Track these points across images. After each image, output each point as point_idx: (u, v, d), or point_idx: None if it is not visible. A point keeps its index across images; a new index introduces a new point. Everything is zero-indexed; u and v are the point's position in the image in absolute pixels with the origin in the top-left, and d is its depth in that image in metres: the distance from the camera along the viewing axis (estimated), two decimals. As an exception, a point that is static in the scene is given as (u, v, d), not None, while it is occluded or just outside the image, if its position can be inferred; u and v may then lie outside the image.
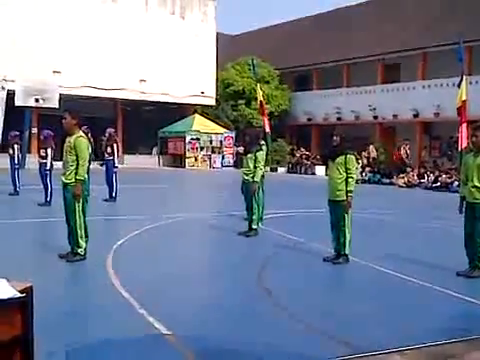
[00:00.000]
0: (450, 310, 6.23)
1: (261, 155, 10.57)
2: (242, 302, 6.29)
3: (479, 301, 6.42)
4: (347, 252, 8.28)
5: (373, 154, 31.68)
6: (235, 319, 5.66)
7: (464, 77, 9.45)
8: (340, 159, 8.27)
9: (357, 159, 27.39)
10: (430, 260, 8.64)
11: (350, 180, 8.20)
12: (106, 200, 15.11)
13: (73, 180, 7.71)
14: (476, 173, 7.50)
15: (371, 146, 32.02)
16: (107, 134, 16.02)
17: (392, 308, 6.21)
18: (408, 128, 32.42)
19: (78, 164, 7.69)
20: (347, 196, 8.19)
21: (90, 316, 5.63)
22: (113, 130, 16.44)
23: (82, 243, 7.81)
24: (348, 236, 8.25)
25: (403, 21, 34.07)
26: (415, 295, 6.81)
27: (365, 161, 30.87)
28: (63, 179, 7.83)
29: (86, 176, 7.83)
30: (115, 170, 15.41)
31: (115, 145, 15.67)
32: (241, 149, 11.69)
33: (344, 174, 8.20)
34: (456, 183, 23.66)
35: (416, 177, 26.70)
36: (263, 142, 11.08)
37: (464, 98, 8.97)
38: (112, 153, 15.44)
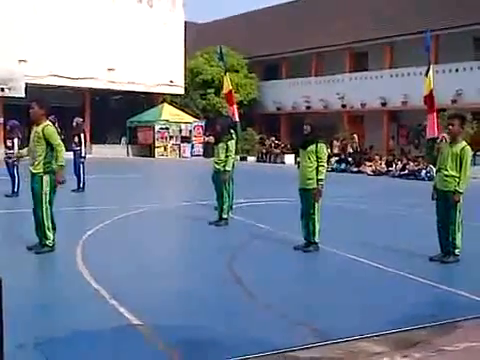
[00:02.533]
0: (419, 296, 6.32)
1: (232, 144, 10.57)
2: (213, 291, 6.30)
3: (447, 287, 6.53)
4: (317, 240, 8.33)
5: (356, 143, 31.92)
6: (206, 309, 5.66)
7: (431, 66, 9.53)
8: (311, 147, 8.27)
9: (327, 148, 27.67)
10: (400, 247, 8.74)
11: (321, 168, 8.22)
12: (74, 190, 14.95)
13: (41, 170, 7.63)
14: (450, 162, 7.62)
15: (355, 135, 32.18)
16: (74, 123, 15.79)
17: (361, 295, 6.27)
18: (376, 116, 32.72)
19: (56, 151, 7.61)
20: (318, 184, 8.23)
21: (60, 308, 5.58)
22: (81, 120, 16.28)
23: (50, 234, 7.72)
24: (317, 225, 8.29)
25: (371, 10, 34.29)
26: (384, 282, 6.90)
27: (336, 150, 31.05)
28: (31, 169, 7.73)
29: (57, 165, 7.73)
30: (82, 160, 15.27)
31: (82, 135, 15.52)
32: (211, 138, 11.61)
33: (315, 163, 8.22)
34: (424, 171, 23.98)
35: (384, 165, 26.95)
36: (232, 131, 11.07)
37: (431, 87, 9.06)
38: (79, 143, 15.30)
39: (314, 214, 8.28)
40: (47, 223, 7.68)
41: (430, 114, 9.01)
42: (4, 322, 2.78)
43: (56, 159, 7.64)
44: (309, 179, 8.27)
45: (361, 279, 7.03)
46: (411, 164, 25.46)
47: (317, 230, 8.30)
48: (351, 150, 30.59)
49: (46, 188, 7.65)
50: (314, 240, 8.33)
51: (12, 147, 14.15)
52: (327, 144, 8.58)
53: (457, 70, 28.50)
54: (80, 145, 15.27)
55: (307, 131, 8.50)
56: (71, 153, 15.00)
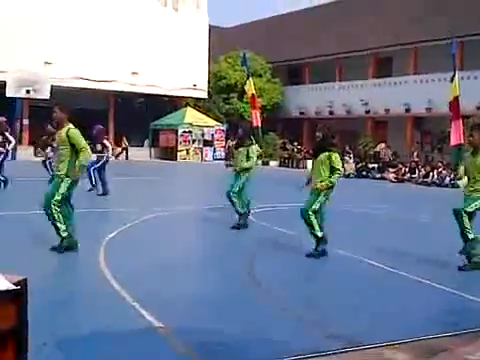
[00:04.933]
0: (440, 303, 6.27)
1: (252, 150, 10.52)
2: (233, 294, 6.31)
3: (470, 295, 6.46)
4: (320, 235, 8.11)
5: (383, 152, 31.73)
6: (226, 311, 5.67)
7: (456, 72, 9.45)
8: (323, 156, 8.07)
9: (343, 154, 27.59)
10: (420, 253, 8.68)
11: (335, 175, 8.01)
12: (99, 194, 15.03)
13: (64, 173, 7.71)
14: (474, 172, 7.58)
15: (383, 144, 31.99)
16: (94, 131, 15.43)
17: (382, 301, 6.24)
18: (399, 122, 32.52)
19: (80, 152, 7.71)
20: (327, 182, 8.00)
21: (82, 308, 5.63)
22: (101, 126, 16.07)
23: (62, 226, 7.74)
24: (315, 220, 8.05)
25: (396, 15, 34.11)
26: (406, 289, 6.85)
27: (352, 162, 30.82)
28: (55, 172, 7.84)
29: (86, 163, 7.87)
30: (96, 166, 15.08)
31: (106, 141, 15.50)
32: (234, 143, 11.59)
33: (327, 173, 8.02)
34: (448, 178, 23.77)
35: (407, 172, 26.77)
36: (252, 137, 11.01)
37: (457, 94, 8.97)
38: (102, 151, 15.22)
39: (310, 211, 8.01)
40: (57, 218, 7.71)
41: (455, 121, 8.93)
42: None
43: (78, 158, 7.72)
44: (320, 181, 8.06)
45: (383, 285, 7.00)
46: (435, 171, 25.25)
47: (316, 224, 8.06)
48: (387, 158, 30.30)
49: (63, 189, 7.72)
50: (319, 235, 8.11)
51: (102, 150, 15.01)
52: (340, 153, 8.35)
53: (483, 77, 28.21)
54: (106, 151, 15.25)
55: (319, 138, 8.30)
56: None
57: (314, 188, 8.15)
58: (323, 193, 8.08)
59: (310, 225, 8.13)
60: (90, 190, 15.06)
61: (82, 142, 7.79)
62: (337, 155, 8.12)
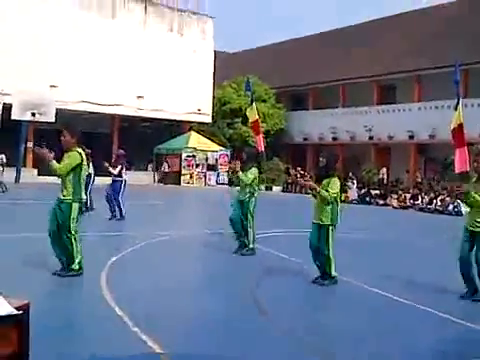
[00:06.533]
0: (444, 333, 6.22)
1: (253, 171, 10.53)
2: (236, 321, 6.27)
3: (474, 325, 6.42)
4: (335, 274, 8.13)
5: (385, 176, 31.96)
6: (229, 338, 5.64)
7: (460, 99, 9.47)
8: (325, 182, 8.07)
9: (345, 181, 27.64)
10: (423, 282, 8.64)
11: (328, 194, 7.91)
12: (116, 218, 15.02)
13: (70, 197, 7.70)
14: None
15: (384, 169, 32.19)
16: (115, 155, 16.20)
17: (384, 330, 6.20)
18: (403, 149, 32.56)
19: (57, 166, 7.65)
20: (318, 190, 7.94)
21: (84, 333, 5.61)
22: (122, 151, 16.34)
23: (76, 259, 7.77)
24: (333, 259, 8.05)
25: (399, 43, 34.35)
26: (408, 317, 6.80)
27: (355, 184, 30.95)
28: (60, 196, 7.81)
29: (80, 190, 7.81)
30: (122, 192, 15.16)
31: (124, 165, 15.56)
32: (237, 163, 11.53)
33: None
34: (451, 206, 23.71)
35: (410, 198, 26.73)
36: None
37: (461, 121, 8.97)
38: (120, 174, 15.18)
39: (328, 251, 8.03)
40: (74, 248, 7.74)
41: (460, 148, 8.91)
42: (29, 345, 2.80)
43: (57, 164, 7.66)
44: (323, 214, 8.05)
45: (384, 314, 6.95)
46: (438, 198, 25.19)
47: (333, 264, 8.09)
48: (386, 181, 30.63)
49: (74, 214, 7.74)
50: (332, 274, 8.14)
51: (120, 174, 15.04)
52: (342, 180, 8.34)
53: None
54: (121, 175, 15.26)
55: (323, 164, 8.36)
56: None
57: (321, 225, 8.12)
58: (331, 229, 8.07)
59: (328, 262, 8.08)
60: (118, 218, 15.01)
61: (66, 165, 7.68)
62: (336, 180, 8.07)
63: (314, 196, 8.20)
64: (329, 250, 8.04)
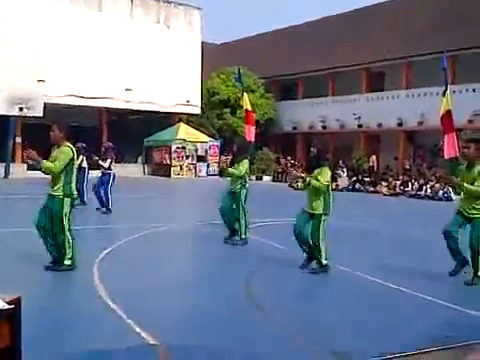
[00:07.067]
0: (436, 318, 6.26)
1: (244, 162, 10.55)
2: (230, 311, 6.28)
3: (464, 308, 6.46)
4: (325, 262, 8.18)
5: (375, 164, 32.10)
6: (222, 329, 5.64)
7: (448, 86, 9.50)
8: (317, 171, 8.15)
9: (335, 170, 27.75)
10: (416, 267, 8.68)
11: (318, 183, 8.00)
12: (102, 211, 14.98)
13: (61, 193, 7.66)
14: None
15: (373, 156, 32.31)
16: (103, 148, 16.07)
17: (378, 316, 6.23)
18: (392, 136, 32.63)
19: (48, 165, 7.58)
20: (308, 179, 8.01)
21: (76, 326, 5.59)
22: (110, 144, 16.37)
23: (69, 254, 7.76)
24: (323, 248, 8.11)
25: (388, 31, 34.35)
26: (400, 303, 6.84)
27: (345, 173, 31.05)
28: (50, 191, 7.76)
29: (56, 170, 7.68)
30: (111, 184, 15.14)
31: (112, 159, 15.49)
32: (228, 160, 11.56)
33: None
34: (441, 192, 23.81)
35: (400, 185, 26.81)
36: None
37: (449, 107, 9.01)
38: (109, 167, 15.15)
39: (318, 240, 8.08)
40: (66, 244, 7.72)
41: (449, 134, 8.95)
42: (22, 340, 2.79)
43: (48, 163, 7.61)
44: (315, 204, 8.11)
45: (377, 300, 6.99)
46: (428, 185, 25.29)
47: (323, 253, 8.13)
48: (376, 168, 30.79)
49: (66, 209, 7.71)
50: (323, 263, 8.19)
51: (109, 167, 15.03)
52: (331, 169, 8.39)
53: (474, 90, 28.35)
54: (110, 169, 15.20)
55: (313, 154, 8.40)
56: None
57: (313, 214, 8.16)
58: (323, 218, 8.12)
59: (317, 250, 8.14)
60: (104, 211, 14.93)
61: (59, 161, 7.61)
62: (327, 169, 8.14)
63: (303, 188, 8.24)
64: (319, 239, 8.09)
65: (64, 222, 7.69)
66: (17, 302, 2.68)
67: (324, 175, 8.05)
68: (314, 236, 8.12)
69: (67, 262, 7.77)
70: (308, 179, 8.02)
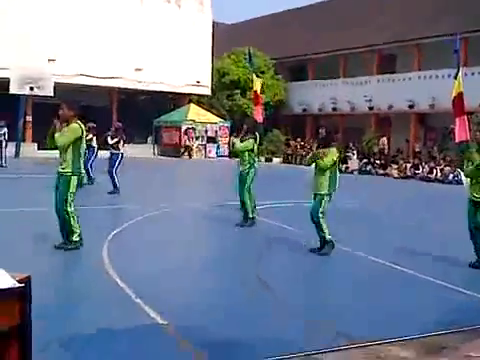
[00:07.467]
0: (444, 302, 6.26)
1: (250, 141, 10.53)
2: (238, 292, 6.31)
3: (472, 292, 6.45)
4: (329, 238, 8.23)
5: (385, 146, 31.94)
6: (231, 309, 5.67)
7: (460, 69, 9.40)
8: (323, 151, 8.19)
9: (345, 152, 27.71)
10: (425, 251, 8.67)
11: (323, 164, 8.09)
12: (110, 193, 14.98)
13: (70, 171, 7.69)
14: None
15: (384, 138, 32.13)
16: (113, 128, 16.00)
17: (387, 300, 6.24)
18: (403, 119, 32.44)
19: (61, 135, 7.67)
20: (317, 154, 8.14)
21: (85, 306, 5.63)
22: (120, 124, 16.33)
23: (76, 231, 7.80)
24: (324, 224, 8.18)
25: (400, 12, 34.02)
26: (410, 287, 6.84)
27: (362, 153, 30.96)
28: (59, 169, 7.80)
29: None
30: (117, 166, 15.11)
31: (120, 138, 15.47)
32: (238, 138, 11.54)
33: (328, 170, 8.13)
34: (452, 175, 23.71)
35: (411, 168, 26.69)
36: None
37: (461, 90, 8.92)
38: (117, 147, 15.16)
39: (318, 218, 8.16)
40: (73, 221, 7.76)
41: (460, 117, 8.87)
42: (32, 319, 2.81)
43: (58, 137, 7.68)
44: (319, 184, 8.18)
45: (387, 283, 6.99)
46: (438, 168, 25.17)
47: (326, 230, 8.20)
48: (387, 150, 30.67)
49: (72, 188, 7.74)
50: (327, 239, 8.24)
51: (117, 147, 14.98)
52: (340, 150, 8.48)
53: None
54: (118, 149, 15.19)
55: (322, 135, 8.46)
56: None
57: (317, 193, 8.21)
58: (326, 198, 8.17)
59: (319, 227, 8.21)
60: (113, 191, 14.85)
61: (69, 136, 7.67)
62: (334, 150, 8.22)
63: (309, 163, 8.41)
64: (318, 216, 8.16)
65: (68, 199, 7.71)
66: (27, 281, 2.70)
67: (330, 156, 8.08)
68: (314, 215, 8.19)
69: (75, 238, 7.80)
70: (316, 152, 8.17)
